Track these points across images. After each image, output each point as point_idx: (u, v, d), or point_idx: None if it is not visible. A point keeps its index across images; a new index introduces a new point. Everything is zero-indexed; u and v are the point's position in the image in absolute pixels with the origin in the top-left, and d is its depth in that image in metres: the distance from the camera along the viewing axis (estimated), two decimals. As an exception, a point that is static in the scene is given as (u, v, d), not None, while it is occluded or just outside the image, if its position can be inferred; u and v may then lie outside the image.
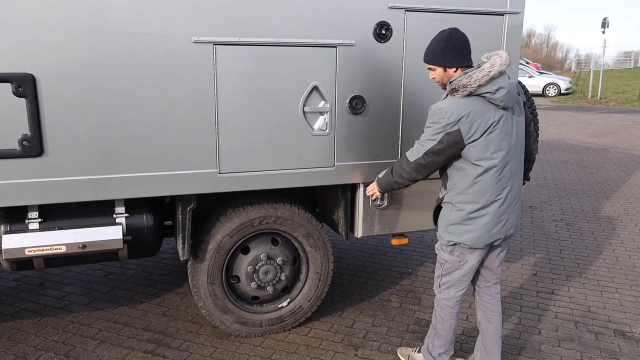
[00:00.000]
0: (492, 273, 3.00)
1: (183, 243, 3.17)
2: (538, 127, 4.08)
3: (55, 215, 2.95)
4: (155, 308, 3.89)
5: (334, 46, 3.09)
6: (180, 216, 3.13)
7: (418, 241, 5.44)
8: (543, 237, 5.69)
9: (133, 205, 3.10)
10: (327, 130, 3.17)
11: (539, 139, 4.10)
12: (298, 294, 3.57)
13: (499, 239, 2.74)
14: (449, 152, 2.61)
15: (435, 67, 2.70)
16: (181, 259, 3.19)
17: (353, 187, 3.47)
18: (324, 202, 3.79)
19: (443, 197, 2.81)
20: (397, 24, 3.19)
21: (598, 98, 24.82)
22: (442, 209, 2.82)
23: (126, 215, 3.06)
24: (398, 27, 3.19)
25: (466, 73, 2.57)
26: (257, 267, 3.37)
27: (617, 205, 6.98)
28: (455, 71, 2.65)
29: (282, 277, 3.44)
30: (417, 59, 3.26)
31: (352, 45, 3.12)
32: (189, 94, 2.88)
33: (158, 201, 3.26)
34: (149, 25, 2.75)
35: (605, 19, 24.63)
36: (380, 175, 2.93)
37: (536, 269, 4.78)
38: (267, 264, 3.38)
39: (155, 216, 3.20)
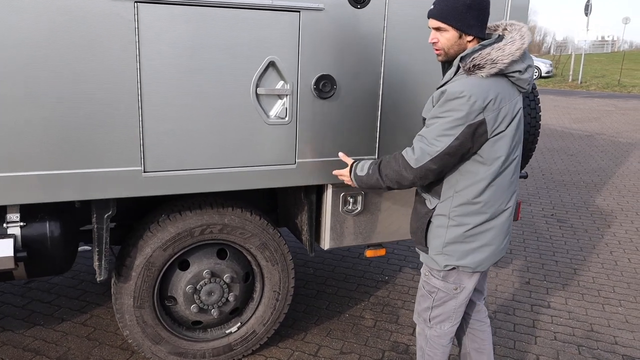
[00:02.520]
0: (480, 293, 2.47)
1: (99, 259, 2.48)
2: (540, 115, 3.48)
3: None
4: (78, 328, 3.20)
5: (296, 10, 2.39)
6: (95, 225, 2.44)
7: (396, 242, 4.82)
8: (534, 235, 5.14)
9: (32, 211, 2.39)
10: (286, 118, 2.49)
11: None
12: (251, 317, 2.92)
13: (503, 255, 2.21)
14: (464, 151, 1.97)
15: (448, 27, 2.00)
16: (97, 279, 2.51)
17: (320, 189, 2.81)
18: (286, 203, 3.13)
19: (434, 209, 2.15)
20: (377, -16, 2.50)
21: (579, 82, 24.54)
22: (433, 225, 2.16)
23: (21, 224, 2.35)
24: (378, -12, 2.51)
25: (484, 47, 1.95)
26: (198, 287, 2.71)
27: (609, 198, 6.49)
28: (471, 41, 2.01)
29: (230, 298, 2.78)
30: (403, 28, 2.60)
31: (320, 10, 2.43)
32: (101, 69, 2.16)
33: (68, 203, 2.56)
34: (41, -29, 2.01)
35: (588, 1, 24.22)
36: (359, 172, 2.23)
37: (529, 276, 4.22)
38: (211, 282, 2.72)
39: (64, 223, 2.50)
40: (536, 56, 32.56)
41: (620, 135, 11.21)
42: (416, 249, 2.30)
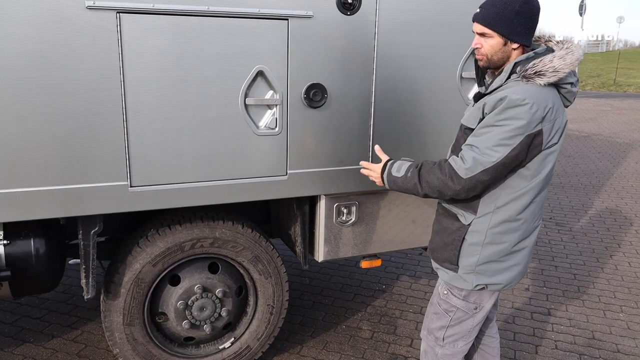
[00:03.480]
0: (495, 308, 2.37)
1: (87, 277, 2.41)
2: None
3: None
4: (69, 345, 3.13)
5: (284, 18, 2.33)
6: (81, 242, 2.37)
7: (390, 253, 4.75)
8: (532, 240, 5.07)
9: (15, 229, 2.32)
10: (276, 129, 2.43)
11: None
12: (244, 332, 2.85)
13: None
14: (518, 162, 1.88)
15: (493, 34, 1.91)
16: (85, 297, 2.44)
17: (312, 200, 2.74)
18: (279, 214, 3.07)
19: (469, 225, 2.01)
20: (367, -10, 2.45)
21: (574, 82, 24.52)
22: (466, 242, 2.02)
23: (5, 242, 2.28)
24: (369, -6, 2.46)
25: (541, 54, 1.90)
26: (189, 302, 2.64)
27: (607, 201, 6.43)
28: (516, 49, 1.93)
29: (223, 313, 2.71)
30: (394, 36, 2.54)
31: (308, 17, 2.37)
32: (83, 81, 2.10)
33: (53, 220, 2.49)
34: (20, -17, 1.95)
35: (582, 2, 24.26)
36: (395, 173, 2.06)
37: (528, 282, 4.15)
38: (202, 297, 2.65)
39: (50, 240, 2.43)
40: (532, 57, 32.56)
41: (617, 135, 11.17)
42: (435, 266, 2.18)
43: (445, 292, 2.15)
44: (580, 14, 24.17)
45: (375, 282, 4.11)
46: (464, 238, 2.03)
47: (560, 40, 1.98)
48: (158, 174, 2.29)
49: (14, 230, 2.32)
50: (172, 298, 2.63)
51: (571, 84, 1.93)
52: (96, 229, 2.35)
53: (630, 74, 26.85)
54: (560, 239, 5.12)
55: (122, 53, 2.13)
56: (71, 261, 3.02)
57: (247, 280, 2.80)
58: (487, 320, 2.37)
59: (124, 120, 2.19)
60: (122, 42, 2.12)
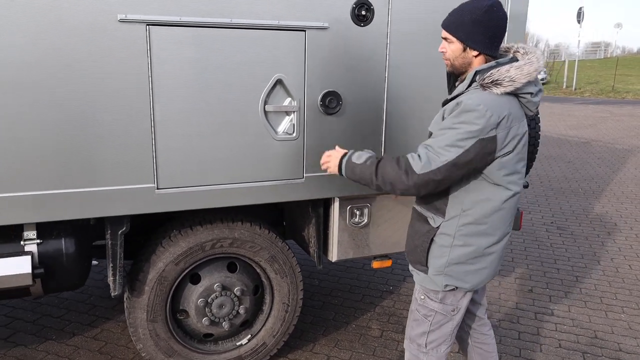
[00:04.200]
0: (482, 306, 2.45)
1: (114, 275, 2.53)
2: (540, 126, 3.55)
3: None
4: (89, 342, 3.24)
5: (302, 29, 2.47)
6: (110, 242, 2.49)
7: (399, 254, 4.88)
8: (535, 243, 5.20)
9: (48, 228, 2.44)
10: (294, 134, 2.56)
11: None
12: (261, 329, 2.97)
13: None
14: (472, 167, 1.94)
15: (453, 39, 2.02)
16: (112, 294, 2.56)
17: (327, 202, 2.87)
18: (293, 217, 3.19)
19: (438, 227, 2.10)
20: (380, 3, 2.58)
21: (573, 88, 24.73)
22: (435, 244, 2.11)
23: (38, 241, 2.40)
24: (381, 6, 2.59)
25: (503, 64, 1.97)
26: (209, 300, 2.76)
27: (608, 205, 6.56)
28: (476, 56, 2.02)
29: (241, 311, 2.83)
30: (404, 46, 2.67)
31: (324, 28, 2.51)
32: (114, 89, 2.23)
33: (82, 220, 2.61)
34: (58, -3, 2.08)
35: (580, 9, 24.48)
36: (355, 159, 2.11)
37: (531, 284, 4.27)
38: (222, 295, 2.77)
39: (79, 240, 2.55)
40: (531, 64, 32.77)
41: (616, 141, 11.31)
42: (411, 268, 2.26)
43: (422, 297, 2.21)
44: (579, 22, 24.39)
45: (383, 283, 4.23)
46: (432, 240, 2.11)
47: (525, 51, 2.04)
48: (182, 177, 2.41)
49: (46, 231, 2.44)
50: (193, 296, 2.75)
51: (531, 93, 1.98)
52: (123, 229, 2.48)
53: (628, 80, 27.07)
54: (562, 243, 5.25)
55: (150, 63, 2.26)
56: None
57: (264, 280, 2.92)
58: (476, 318, 2.44)
59: (151, 126, 2.31)
60: (151, 53, 2.25)
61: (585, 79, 27.83)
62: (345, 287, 4.14)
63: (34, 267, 2.33)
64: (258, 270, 2.89)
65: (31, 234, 2.40)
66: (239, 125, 2.45)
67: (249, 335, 2.96)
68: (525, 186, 3.67)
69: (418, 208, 2.20)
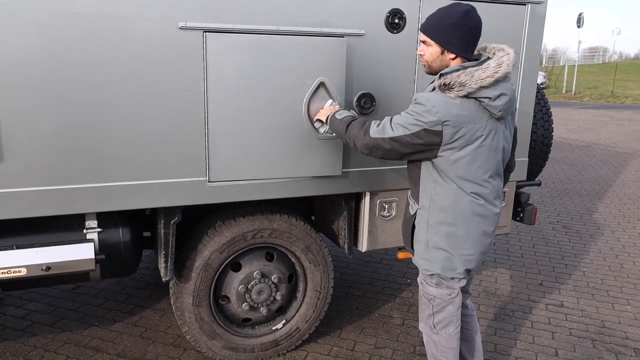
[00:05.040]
0: (466, 293, 2.66)
1: (166, 261, 2.74)
2: (553, 127, 3.77)
3: (14, 230, 2.48)
4: (130, 329, 3.45)
5: (342, 36, 2.68)
6: (162, 231, 2.70)
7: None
8: (542, 241, 5.42)
9: (107, 218, 2.65)
10: (334, 133, 2.77)
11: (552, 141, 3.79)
12: (294, 315, 3.18)
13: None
14: (418, 152, 2.18)
15: (432, 42, 2.18)
16: (164, 279, 2.76)
17: (357, 196, 3.08)
18: (323, 210, 3.40)
19: (415, 214, 2.36)
20: (411, 12, 2.80)
21: (573, 93, 25.01)
22: (415, 229, 2.36)
23: (99, 230, 2.61)
24: (412, 15, 2.81)
25: (465, 68, 2.10)
26: (249, 286, 2.97)
27: (611, 206, 6.79)
28: (454, 59, 2.18)
29: (278, 297, 3.04)
30: (434, 52, 2.89)
31: (361, 35, 2.73)
32: (173, 91, 2.44)
33: (136, 211, 2.82)
34: (126, 7, 2.30)
35: (580, 14, 24.76)
36: (338, 115, 2.45)
37: (541, 278, 4.49)
38: (260, 282, 2.98)
39: (133, 229, 2.76)
40: (530, 68, 33.06)
41: (617, 145, 11.56)
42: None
43: (422, 282, 2.44)
44: (579, 26, 24.68)
45: (400, 276, 4.44)
46: (413, 225, 2.37)
47: (494, 54, 2.14)
48: (231, 171, 2.62)
49: (105, 220, 2.65)
50: (234, 282, 2.96)
51: (489, 98, 2.07)
52: (176, 219, 2.69)
53: (627, 85, 27.38)
54: (568, 240, 5.47)
55: (206, 67, 2.47)
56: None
57: (298, 268, 3.13)
58: (462, 306, 2.60)
59: (205, 125, 2.53)
60: (207, 58, 2.47)
61: (584, 83, 28.12)
62: (365, 280, 4.35)
63: (95, 253, 2.54)
64: (293, 259, 3.10)
65: (92, 223, 2.60)
66: (285, 125, 2.66)
67: (284, 321, 3.16)
68: (538, 184, 3.90)
69: (407, 195, 2.49)
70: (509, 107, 2.16)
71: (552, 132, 3.74)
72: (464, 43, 2.15)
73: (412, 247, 2.42)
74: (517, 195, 3.51)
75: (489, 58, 2.15)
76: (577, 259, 4.98)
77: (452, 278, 2.36)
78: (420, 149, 2.16)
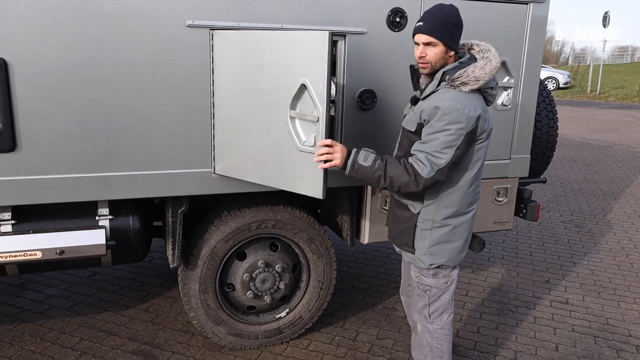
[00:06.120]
0: None
1: (173, 249, 2.87)
2: (558, 125, 3.80)
3: (30, 216, 2.64)
4: (142, 314, 3.60)
5: (343, 34, 2.77)
6: (170, 219, 2.84)
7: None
8: (552, 239, 5.43)
9: (118, 206, 2.80)
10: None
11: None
12: (298, 304, 3.29)
13: None
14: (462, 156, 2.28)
15: (438, 42, 2.22)
16: (171, 266, 2.90)
17: (360, 189, 3.17)
18: (327, 203, 3.50)
19: (419, 213, 2.41)
20: (412, 11, 2.88)
21: (597, 93, 24.58)
22: (418, 228, 2.42)
23: (110, 217, 2.76)
24: (414, 14, 2.88)
25: (465, 63, 2.24)
26: (253, 275, 3.09)
27: (626, 206, 6.73)
28: (452, 56, 2.28)
29: (281, 286, 3.15)
30: (435, 50, 2.96)
31: (363, 33, 2.81)
32: (181, 86, 2.57)
33: (146, 201, 2.95)
34: (137, 6, 2.43)
35: (606, 13, 24.32)
36: (362, 161, 2.25)
37: (548, 275, 4.52)
38: (264, 271, 3.10)
39: (143, 218, 2.90)
40: (554, 67, 32.60)
41: (638, 146, 11.38)
42: (399, 250, 2.58)
43: (417, 274, 2.52)
44: (604, 26, 24.25)
45: (407, 271, 4.51)
46: (416, 225, 2.41)
47: (481, 49, 2.29)
48: (233, 164, 2.73)
49: (116, 208, 2.79)
50: (240, 271, 3.08)
51: (492, 87, 2.30)
52: (183, 208, 2.82)
53: (654, 85, 26.74)
54: (579, 239, 5.46)
55: (213, 64, 2.59)
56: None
57: (302, 259, 3.23)
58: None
59: (211, 118, 2.65)
60: (214, 55, 2.59)
61: (610, 83, 27.59)
62: (372, 274, 4.44)
63: (107, 239, 2.68)
64: (297, 250, 3.21)
65: (104, 210, 2.75)
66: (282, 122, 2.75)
67: (287, 309, 3.27)
68: (543, 181, 3.94)
69: (396, 196, 2.50)
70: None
71: (557, 129, 3.77)
72: (459, 39, 2.29)
73: (412, 246, 2.45)
74: (520, 192, 3.55)
75: (470, 54, 2.31)
76: (587, 257, 4.98)
77: (454, 267, 2.48)
78: (462, 156, 2.26)
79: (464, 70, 2.21)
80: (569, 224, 5.97)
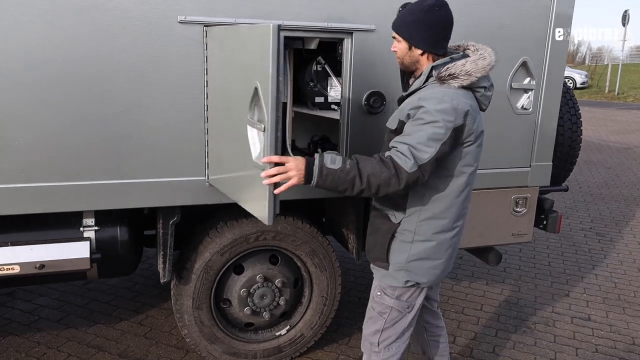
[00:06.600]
0: (434, 301, 2.52)
1: (164, 262, 2.66)
2: (581, 130, 3.54)
3: (8, 227, 2.44)
4: (135, 328, 3.40)
5: (349, 32, 2.54)
6: (161, 231, 2.63)
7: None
8: (572, 248, 5.15)
9: (105, 216, 2.59)
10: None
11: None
12: (299, 321, 3.06)
13: None
14: (445, 158, 1.98)
15: (400, 39, 2.06)
16: (162, 280, 2.69)
17: (366, 200, 2.94)
18: (333, 213, 3.27)
19: (399, 224, 2.10)
20: (426, 5, 2.63)
21: (616, 93, 24.06)
22: (396, 240, 2.12)
23: (96, 228, 2.56)
24: (427, 9, 2.64)
25: (457, 59, 2.00)
26: (251, 290, 2.87)
27: (649, 213, 6.43)
28: (422, 54, 2.04)
29: (281, 302, 2.93)
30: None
31: (371, 30, 2.58)
32: (172, 86, 2.36)
33: (135, 209, 2.75)
34: (127, 0, 2.22)
35: (626, 12, 23.78)
36: (330, 164, 1.88)
37: (568, 289, 4.25)
38: (263, 286, 2.88)
39: (132, 228, 2.69)
40: (570, 66, 31.99)
41: (660, 148, 11.00)
42: (371, 266, 2.26)
43: (379, 293, 2.22)
44: (623, 24, 23.71)
45: (418, 282, 4.26)
46: (393, 236, 2.12)
47: (477, 48, 2.07)
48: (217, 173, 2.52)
49: (103, 218, 2.59)
50: (236, 286, 2.86)
51: (485, 87, 2.04)
52: (175, 219, 2.61)
53: (675, 86, 26.13)
54: (600, 249, 5.18)
55: (206, 63, 2.37)
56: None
57: (304, 273, 3.01)
58: (431, 312, 2.50)
59: (204, 122, 2.43)
60: (207, 53, 2.37)
61: (629, 83, 26.98)
62: (381, 285, 4.19)
63: (91, 252, 2.48)
64: (299, 263, 2.99)
65: (90, 221, 2.55)
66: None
67: (288, 326, 3.05)
68: (565, 189, 3.67)
69: (377, 205, 2.20)
70: (491, 100, 2.13)
71: (581, 134, 3.51)
72: (430, 38, 2.01)
73: (387, 260, 2.15)
74: (540, 202, 3.30)
75: (464, 54, 2.05)
76: (609, 269, 4.70)
77: (422, 289, 2.19)
78: (448, 155, 1.97)
79: (453, 64, 1.98)
80: (589, 231, 5.68)
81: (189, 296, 2.78)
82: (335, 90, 2.92)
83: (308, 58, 2.91)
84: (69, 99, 2.24)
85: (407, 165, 1.87)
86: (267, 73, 1.87)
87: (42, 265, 2.39)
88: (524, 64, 2.90)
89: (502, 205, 3.11)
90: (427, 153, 1.88)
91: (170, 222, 2.61)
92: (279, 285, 2.90)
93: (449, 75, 1.96)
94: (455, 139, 1.94)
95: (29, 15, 2.12)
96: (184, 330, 2.85)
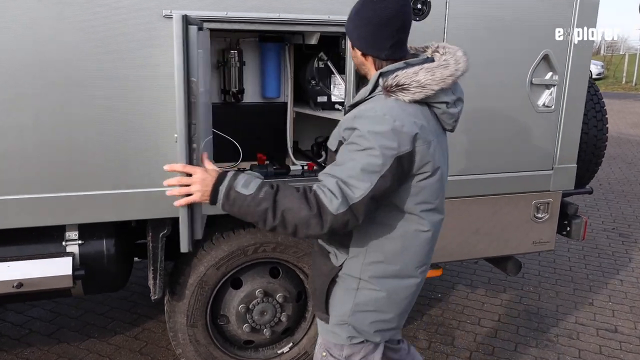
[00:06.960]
0: (395, 340, 2.09)
1: (154, 278, 2.46)
2: (607, 127, 3.28)
3: (-15, 243, 2.26)
4: (131, 342, 3.21)
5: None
6: (150, 244, 2.42)
7: (448, 261, 4.67)
8: (595, 251, 4.88)
9: (89, 229, 2.39)
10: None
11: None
12: (303, 337, 2.85)
13: None
14: (389, 194, 1.53)
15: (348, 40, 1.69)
16: (152, 297, 2.49)
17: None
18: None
19: (341, 267, 1.69)
20: (437, -4, 2.40)
21: (633, 84, 23.53)
22: (337, 286, 1.72)
23: (80, 242, 2.36)
24: (438, 1, 2.41)
25: (411, 65, 1.56)
26: (250, 306, 2.66)
27: (675, 211, 6.12)
28: (365, 57, 1.65)
29: (283, 318, 2.72)
30: (461, 39, 2.48)
31: (378, 22, 2.34)
32: (156, 87, 2.14)
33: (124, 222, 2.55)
34: (102, -8, 2.01)
35: (644, 0, 23.17)
36: (241, 188, 1.53)
37: (592, 297, 3.99)
38: (263, 301, 2.67)
39: (120, 241, 2.49)
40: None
41: (682, 141, 10.62)
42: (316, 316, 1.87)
43: (324, 353, 1.80)
44: (642, 14, 23.11)
45: (431, 290, 4.04)
46: (335, 281, 1.72)
47: (445, 52, 1.63)
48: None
49: (87, 231, 2.39)
50: (234, 301, 2.65)
51: (447, 103, 1.58)
52: (165, 231, 2.40)
53: (695, 76, 25.45)
54: (624, 251, 4.90)
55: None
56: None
57: (307, 286, 2.79)
58: (404, 352, 2.10)
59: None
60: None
61: (647, 74, 26.39)
62: (391, 293, 3.97)
63: (74, 268, 2.29)
64: (301, 276, 2.77)
65: (73, 234, 2.35)
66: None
67: (291, 344, 2.84)
68: (590, 192, 3.42)
69: (320, 241, 1.79)
70: (459, 116, 1.66)
71: (607, 132, 3.25)
72: (369, 37, 1.60)
73: (325, 311, 1.76)
74: (564, 206, 3.05)
75: (430, 57, 1.64)
76: (635, 273, 4.42)
77: (376, 345, 1.79)
78: (392, 190, 1.53)
79: (403, 71, 1.53)
80: (611, 232, 5.40)
81: (183, 313, 2.57)
82: (339, 89, 2.69)
83: (309, 54, 2.68)
84: (44, 104, 2.04)
85: (333, 205, 1.46)
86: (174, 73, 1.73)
87: (20, 284, 2.20)
88: (546, 57, 2.65)
89: (522, 211, 2.87)
90: (360, 189, 1.46)
91: (161, 235, 2.40)
92: (280, 300, 2.69)
93: (397, 85, 1.52)
94: (401, 170, 1.50)
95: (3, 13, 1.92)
96: (178, 349, 2.65)
